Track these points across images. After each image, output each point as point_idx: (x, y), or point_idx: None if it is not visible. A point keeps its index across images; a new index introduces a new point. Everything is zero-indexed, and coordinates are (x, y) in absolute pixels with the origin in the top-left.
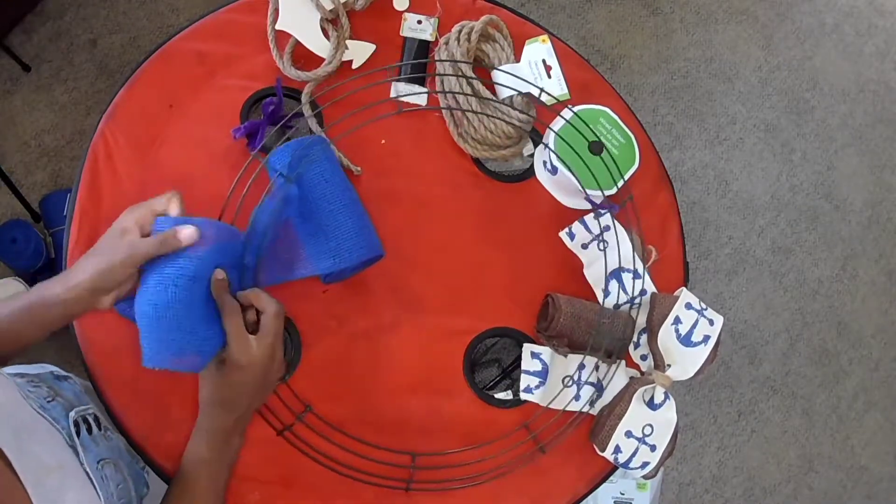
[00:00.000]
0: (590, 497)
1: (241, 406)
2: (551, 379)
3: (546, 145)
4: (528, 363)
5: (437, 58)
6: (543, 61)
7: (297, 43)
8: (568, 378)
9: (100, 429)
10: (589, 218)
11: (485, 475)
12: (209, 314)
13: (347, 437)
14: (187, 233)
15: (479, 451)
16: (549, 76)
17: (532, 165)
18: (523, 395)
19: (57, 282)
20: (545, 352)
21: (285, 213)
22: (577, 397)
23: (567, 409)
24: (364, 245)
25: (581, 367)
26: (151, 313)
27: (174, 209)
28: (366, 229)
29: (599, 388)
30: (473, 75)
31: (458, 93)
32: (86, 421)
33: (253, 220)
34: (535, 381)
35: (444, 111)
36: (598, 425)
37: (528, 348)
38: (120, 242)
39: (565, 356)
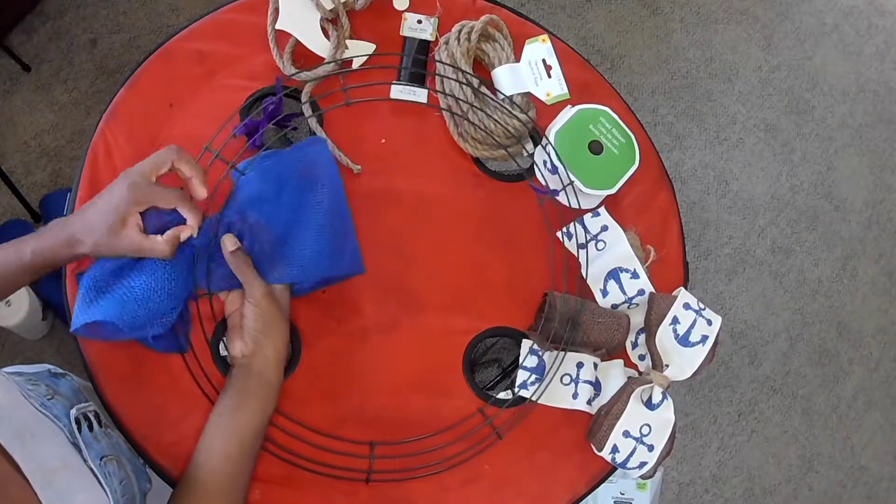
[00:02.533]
0: (590, 497)
1: (274, 390)
2: (549, 376)
3: (546, 145)
4: (526, 359)
5: (437, 57)
6: (543, 61)
7: (297, 42)
8: (566, 376)
9: (100, 425)
10: (587, 218)
11: (445, 462)
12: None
13: (308, 429)
14: (188, 232)
15: (439, 438)
16: (550, 76)
17: (532, 165)
18: (518, 391)
19: (59, 242)
20: (544, 351)
21: (248, 214)
22: (574, 395)
23: (565, 407)
24: (333, 262)
25: (580, 365)
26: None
27: (188, 170)
28: (340, 244)
29: (598, 386)
30: (473, 75)
31: (459, 91)
32: (87, 418)
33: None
34: (531, 377)
35: (444, 111)
36: (596, 425)
37: (526, 344)
38: (123, 232)
39: (553, 352)
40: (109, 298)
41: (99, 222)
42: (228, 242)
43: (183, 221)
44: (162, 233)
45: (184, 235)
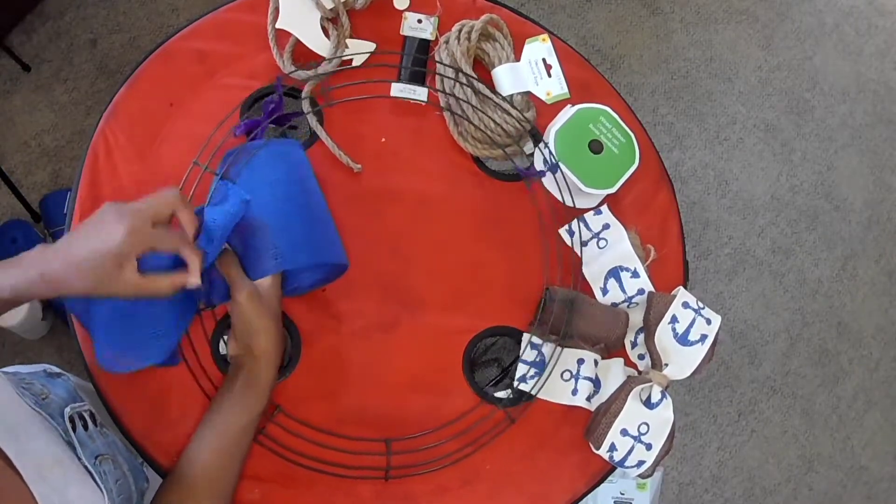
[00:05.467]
0: (589, 496)
1: (265, 389)
2: (549, 372)
3: (546, 144)
4: (526, 353)
5: (437, 57)
6: (543, 60)
7: (298, 42)
8: (566, 372)
9: (95, 425)
10: (589, 216)
11: (462, 451)
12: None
13: (320, 432)
14: (193, 281)
15: (453, 428)
16: (550, 75)
17: (532, 164)
18: (518, 384)
19: (41, 285)
20: (545, 344)
21: (237, 216)
22: (574, 391)
23: (564, 402)
24: (312, 250)
25: (580, 361)
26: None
27: (188, 225)
28: (318, 234)
29: (597, 383)
30: (473, 74)
31: (459, 91)
32: (81, 418)
33: (209, 227)
34: (531, 370)
35: (444, 110)
36: (594, 422)
37: (527, 338)
38: (119, 276)
39: (556, 346)
40: (137, 344)
41: (91, 266)
42: None
43: (180, 262)
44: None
45: (190, 283)
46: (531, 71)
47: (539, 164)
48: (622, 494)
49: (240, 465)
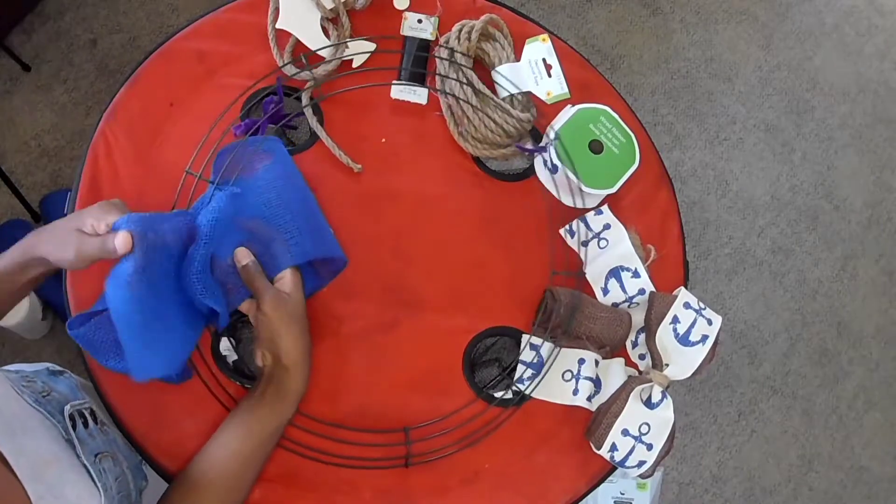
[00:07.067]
0: (589, 497)
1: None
2: (549, 372)
3: (547, 144)
4: (525, 353)
5: (437, 57)
6: (544, 60)
7: (298, 42)
8: (567, 371)
9: (96, 423)
10: (590, 216)
11: (478, 433)
12: (169, 315)
13: (339, 428)
14: (120, 241)
15: (468, 413)
16: (550, 75)
17: (532, 164)
18: (516, 385)
19: (31, 238)
20: (544, 344)
21: (228, 218)
22: (575, 391)
23: (565, 403)
24: (319, 243)
25: (581, 361)
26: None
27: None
28: (317, 230)
29: (598, 383)
30: (474, 74)
31: (459, 91)
32: (81, 415)
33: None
34: (529, 371)
35: (444, 110)
36: (595, 422)
37: (527, 338)
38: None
39: (558, 347)
40: (157, 353)
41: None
42: (241, 255)
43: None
44: None
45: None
46: (531, 71)
47: (539, 164)
48: (622, 494)
49: (258, 472)
